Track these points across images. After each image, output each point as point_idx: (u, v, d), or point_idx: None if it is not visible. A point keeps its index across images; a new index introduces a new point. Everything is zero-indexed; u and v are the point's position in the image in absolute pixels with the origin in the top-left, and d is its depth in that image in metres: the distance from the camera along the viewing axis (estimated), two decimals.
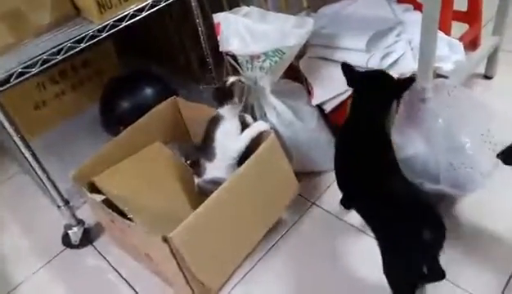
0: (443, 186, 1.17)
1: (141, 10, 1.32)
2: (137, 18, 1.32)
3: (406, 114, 1.18)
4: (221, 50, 1.35)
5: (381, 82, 1.11)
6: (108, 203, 1.21)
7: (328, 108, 1.43)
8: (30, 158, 1.22)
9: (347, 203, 1.31)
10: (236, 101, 1.25)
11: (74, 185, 1.26)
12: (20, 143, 1.18)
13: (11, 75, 1.10)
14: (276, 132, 1.30)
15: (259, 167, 1.20)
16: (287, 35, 1.22)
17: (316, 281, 1.19)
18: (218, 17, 1.32)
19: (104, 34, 1.25)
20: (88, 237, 1.41)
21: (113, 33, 1.27)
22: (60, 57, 1.17)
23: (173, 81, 1.75)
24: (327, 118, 1.47)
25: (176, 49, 1.90)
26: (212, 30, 1.38)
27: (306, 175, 1.43)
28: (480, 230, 1.22)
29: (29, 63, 1.12)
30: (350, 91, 1.34)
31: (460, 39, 1.50)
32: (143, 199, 1.27)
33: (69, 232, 1.38)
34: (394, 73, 1.18)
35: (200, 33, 1.58)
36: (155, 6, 1.35)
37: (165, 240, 1.00)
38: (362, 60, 1.31)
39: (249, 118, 1.33)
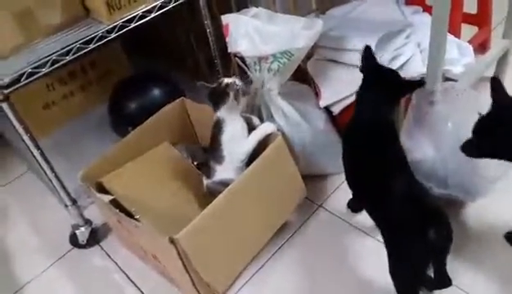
0: (451, 191, 1.17)
1: (149, 11, 1.33)
2: (146, 19, 1.33)
3: (415, 117, 1.17)
4: (229, 51, 1.35)
5: (389, 78, 1.10)
6: (115, 204, 1.21)
7: (336, 110, 1.42)
8: (39, 157, 1.23)
9: (355, 204, 1.30)
10: (232, 102, 1.24)
11: (82, 185, 1.26)
12: (29, 142, 1.19)
13: (21, 75, 1.11)
14: (284, 134, 1.29)
15: (266, 169, 1.20)
16: (296, 36, 1.22)
17: (323, 283, 1.19)
18: (227, 18, 1.33)
19: (113, 35, 1.26)
20: (95, 237, 1.41)
21: (122, 34, 1.28)
22: (69, 58, 1.18)
23: (181, 82, 1.75)
24: (335, 120, 1.46)
25: (184, 50, 1.90)
26: (220, 31, 1.38)
27: (313, 178, 1.43)
28: (487, 236, 1.20)
29: (38, 63, 1.13)
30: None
31: (470, 42, 1.49)
32: (150, 200, 1.27)
33: (77, 232, 1.38)
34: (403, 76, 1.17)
35: (208, 34, 1.58)
36: (164, 7, 1.36)
37: (172, 241, 1.00)
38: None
39: (255, 120, 1.33)
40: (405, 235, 0.93)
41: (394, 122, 1.08)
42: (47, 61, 1.14)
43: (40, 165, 1.25)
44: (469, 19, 1.68)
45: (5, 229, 1.54)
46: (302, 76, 1.49)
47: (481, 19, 1.68)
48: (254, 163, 1.17)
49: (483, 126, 0.98)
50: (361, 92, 1.12)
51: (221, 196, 1.10)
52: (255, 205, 1.20)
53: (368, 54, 1.10)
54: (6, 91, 1.09)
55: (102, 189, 1.27)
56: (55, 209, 1.51)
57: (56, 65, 1.17)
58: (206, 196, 1.27)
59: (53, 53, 1.16)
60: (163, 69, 1.87)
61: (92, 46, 1.22)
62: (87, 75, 1.87)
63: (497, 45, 1.63)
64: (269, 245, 1.28)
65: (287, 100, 1.37)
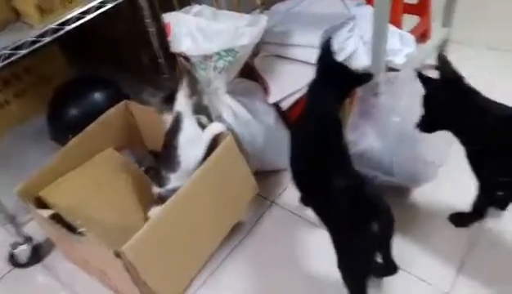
0: (397, 178, 1.19)
1: (86, 12, 1.26)
2: (83, 21, 1.26)
3: (360, 109, 1.18)
4: (172, 51, 1.30)
5: (341, 72, 1.10)
6: (57, 218, 1.14)
7: (285, 106, 1.41)
8: None
9: (305, 200, 1.30)
10: (186, 88, 1.20)
11: (20, 201, 1.18)
12: None
13: None
14: (233, 133, 1.26)
15: (216, 170, 1.17)
16: (240, 34, 1.19)
17: (277, 280, 1.18)
18: (168, 17, 1.28)
19: (47, 39, 1.18)
20: (38, 254, 1.33)
21: (58, 37, 1.20)
22: None
23: (126, 85, 1.68)
24: (284, 115, 1.45)
25: (127, 51, 1.83)
26: (163, 31, 1.33)
27: (264, 174, 1.42)
28: (433, 219, 1.24)
29: None
30: (306, 88, 1.34)
31: (411, 32, 1.52)
32: (95, 210, 1.21)
33: (16, 251, 1.30)
34: None
35: (151, 34, 1.53)
36: (101, 7, 1.29)
37: (117, 255, 0.95)
38: (315, 57, 1.29)
39: (204, 120, 1.29)
40: (347, 230, 0.93)
41: (340, 118, 1.08)
42: None
43: None
44: (410, 9, 1.72)
45: None
46: (249, 73, 1.47)
47: (421, 8, 1.73)
48: (203, 166, 1.14)
49: (432, 99, 1.02)
50: (313, 87, 1.12)
51: (168, 203, 1.06)
52: (206, 208, 1.17)
53: (326, 48, 1.10)
54: None
55: (42, 203, 1.19)
56: None
57: None
58: (155, 202, 1.21)
59: None
60: (106, 72, 1.79)
61: (23, 51, 1.14)
62: (21, 82, 1.76)
63: (437, 33, 1.68)
64: (223, 246, 1.26)
65: (235, 98, 1.34)
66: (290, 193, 1.37)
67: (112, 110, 1.40)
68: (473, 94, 1.03)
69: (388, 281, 1.09)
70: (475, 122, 1.01)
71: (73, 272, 1.28)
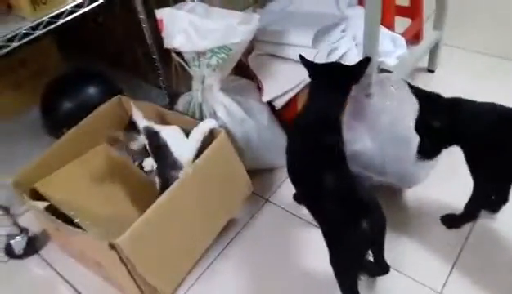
0: (389, 178, 1.21)
1: (79, 5, 1.27)
2: (76, 14, 1.26)
3: (353, 110, 1.20)
4: (165, 47, 1.31)
5: (340, 71, 1.13)
6: (52, 210, 1.15)
7: (278, 104, 1.43)
8: None
9: (301, 196, 1.32)
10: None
11: (14, 192, 1.19)
12: None
13: None
14: (227, 130, 1.28)
15: (210, 167, 1.19)
16: (233, 32, 1.20)
17: (271, 278, 1.20)
18: (161, 13, 1.29)
19: (39, 32, 1.19)
20: (33, 246, 1.34)
21: (51, 30, 1.21)
22: None
23: (120, 80, 1.68)
24: (278, 114, 1.47)
25: (122, 46, 1.84)
26: (157, 27, 1.34)
27: (258, 173, 1.43)
28: (425, 220, 1.26)
29: None
30: (300, 87, 1.36)
31: (403, 34, 1.55)
32: (90, 203, 1.22)
33: (12, 242, 1.30)
34: None
35: (144, 29, 1.54)
36: (94, 1, 1.30)
37: (112, 247, 0.97)
38: (309, 56, 1.30)
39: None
40: (338, 226, 0.96)
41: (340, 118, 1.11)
42: None
43: None
44: (402, 11, 1.74)
45: None
46: (243, 71, 1.49)
47: (413, 11, 1.75)
48: (197, 161, 1.16)
49: (423, 124, 1.05)
50: (314, 91, 1.14)
51: (163, 197, 1.08)
52: (200, 203, 1.18)
53: (305, 61, 1.13)
54: None
55: (37, 195, 1.20)
56: None
57: None
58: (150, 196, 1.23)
59: None
60: (100, 66, 1.80)
61: (15, 43, 1.15)
62: (16, 74, 1.76)
63: (429, 36, 1.71)
64: (217, 243, 1.27)
65: (229, 96, 1.36)
66: (284, 192, 1.40)
67: (106, 105, 1.41)
68: (458, 101, 1.07)
69: (380, 280, 1.12)
70: (470, 126, 1.04)
71: (69, 263, 1.29)
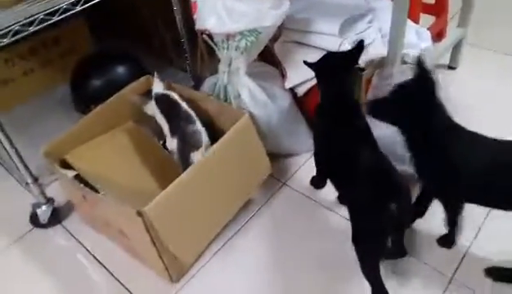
0: (409, 167, 1.22)
1: None
2: None
3: (374, 98, 1.22)
4: (197, 28, 1.35)
5: (337, 58, 1.16)
6: (79, 180, 1.20)
7: (300, 91, 1.46)
8: None
9: (318, 181, 1.35)
10: None
11: (45, 161, 1.24)
12: None
13: None
14: (250, 113, 1.32)
15: (232, 146, 1.22)
16: (264, 15, 1.23)
17: (286, 256, 1.22)
18: None
19: (78, 8, 1.23)
20: (58, 216, 1.38)
21: (87, 8, 1.25)
22: (32, 29, 1.14)
23: (147, 62, 1.72)
24: (300, 101, 1.50)
25: (150, 29, 1.88)
26: (187, 11, 1.38)
27: (277, 157, 1.46)
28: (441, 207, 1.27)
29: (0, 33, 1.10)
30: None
31: (428, 30, 1.56)
32: (116, 176, 1.27)
33: (38, 210, 1.35)
34: (364, 58, 1.23)
35: (175, 12, 1.57)
36: None
37: (139, 214, 1.00)
38: (335, 45, 1.34)
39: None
40: (368, 207, 0.97)
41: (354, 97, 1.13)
42: (9, 32, 1.11)
43: None
44: (428, 8, 1.76)
45: None
46: (269, 57, 1.52)
47: (438, 8, 1.76)
48: (221, 140, 1.19)
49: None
50: (321, 80, 1.18)
51: (188, 170, 1.11)
52: (221, 181, 1.22)
53: (308, 64, 1.16)
54: None
55: (65, 166, 1.25)
56: (14, 190, 1.46)
57: (18, 36, 1.13)
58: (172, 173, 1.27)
59: (15, 23, 1.12)
60: (128, 48, 1.85)
61: (55, 18, 1.19)
62: (49, 51, 1.82)
63: (453, 33, 1.72)
64: (235, 220, 1.31)
65: (254, 80, 1.39)
66: (301, 177, 1.43)
67: (134, 84, 1.45)
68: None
69: (397, 265, 1.14)
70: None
71: (90, 235, 1.33)
